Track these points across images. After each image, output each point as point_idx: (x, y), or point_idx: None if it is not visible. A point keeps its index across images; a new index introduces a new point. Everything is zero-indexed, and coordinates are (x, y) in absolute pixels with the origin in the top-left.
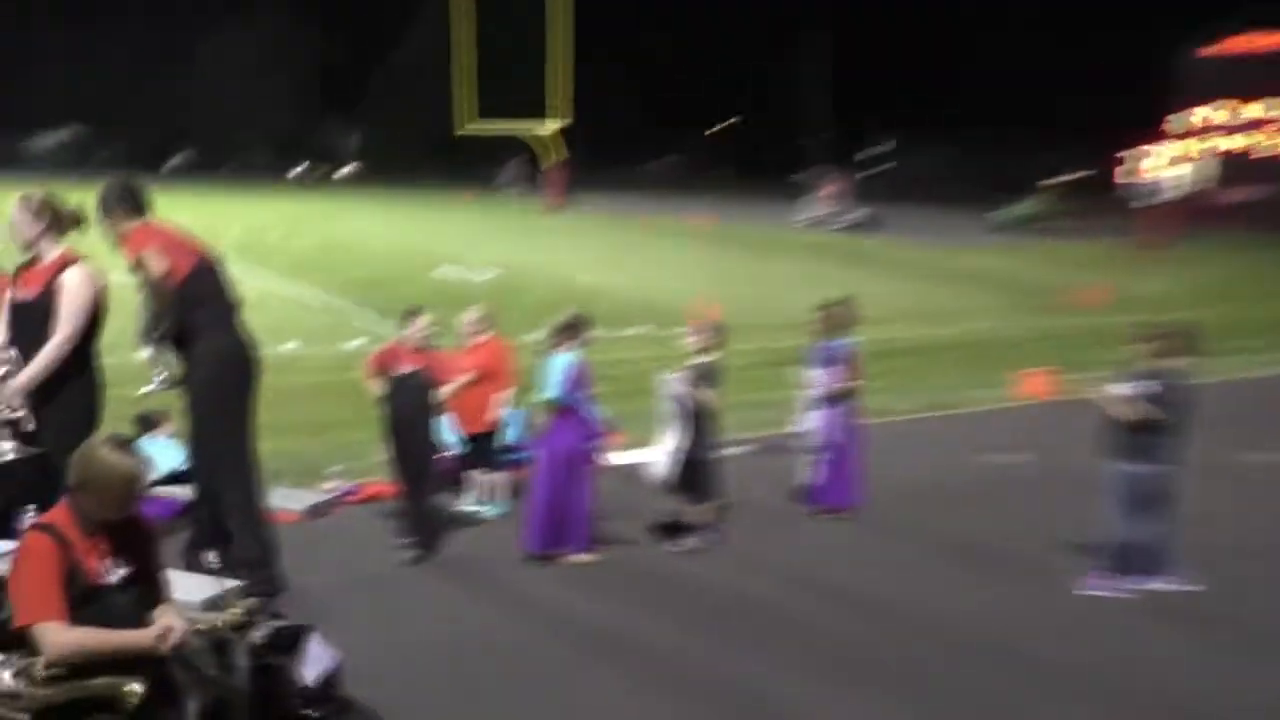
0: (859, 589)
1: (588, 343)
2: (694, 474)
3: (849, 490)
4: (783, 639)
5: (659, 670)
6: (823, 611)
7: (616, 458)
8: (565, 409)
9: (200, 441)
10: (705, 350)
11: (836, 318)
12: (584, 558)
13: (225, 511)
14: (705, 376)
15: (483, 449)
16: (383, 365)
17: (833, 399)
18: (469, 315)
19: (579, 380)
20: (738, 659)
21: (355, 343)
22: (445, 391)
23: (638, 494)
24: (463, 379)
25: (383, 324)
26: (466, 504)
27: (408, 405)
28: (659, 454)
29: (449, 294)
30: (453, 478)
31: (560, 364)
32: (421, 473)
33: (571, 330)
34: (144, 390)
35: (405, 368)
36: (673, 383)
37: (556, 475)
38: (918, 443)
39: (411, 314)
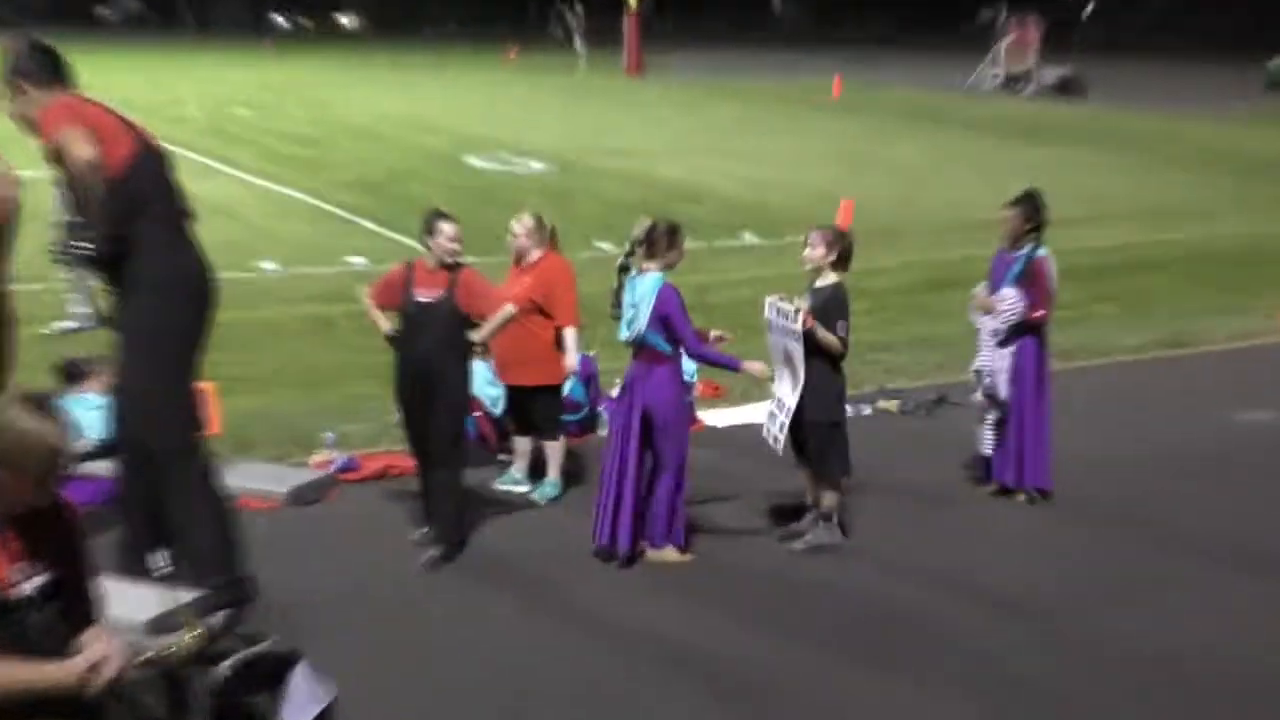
0: (1042, 603)
1: (678, 260)
2: (817, 441)
3: (1034, 462)
4: (936, 669)
5: (771, 711)
6: (992, 633)
7: (721, 417)
8: (651, 352)
9: (133, 396)
10: (831, 268)
11: (1023, 220)
12: (672, 555)
13: (167, 492)
14: (831, 305)
15: (535, 407)
16: (394, 292)
17: (1016, 334)
18: (517, 223)
19: (670, 311)
20: (874, 695)
21: (355, 261)
22: (484, 330)
23: (750, 466)
24: (507, 311)
25: (393, 235)
26: (512, 483)
27: (429, 347)
28: (772, 412)
29: (484, 193)
30: (493, 447)
31: (644, 290)
32: (449, 440)
33: (660, 243)
34: (60, 326)
35: (425, 296)
36: (784, 313)
37: (638, 444)
38: (1140, 394)
39: (434, 221)
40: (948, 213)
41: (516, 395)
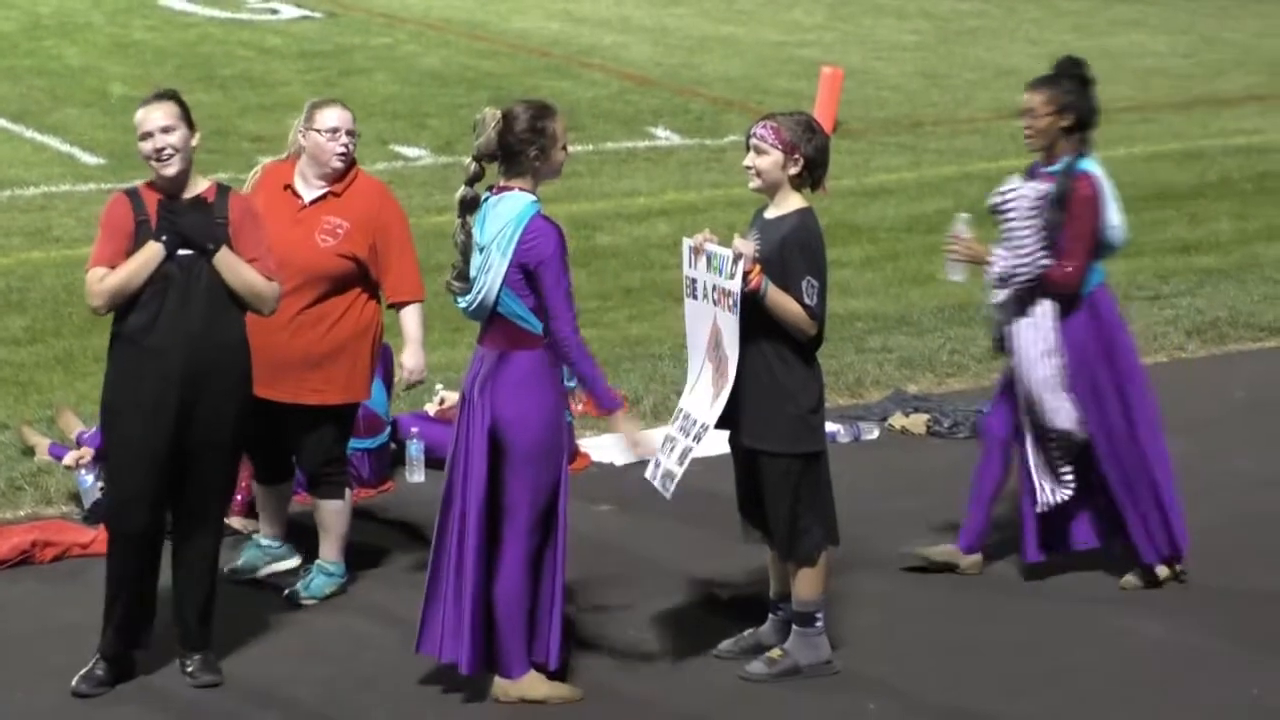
0: None
1: (559, 170)
2: (778, 491)
3: (1096, 521)
4: None
5: None
6: None
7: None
8: (508, 329)
9: None
10: (793, 186)
11: (1056, 112)
12: (538, 687)
13: None
14: (793, 249)
15: (309, 440)
16: (128, 245)
17: (1060, 303)
18: (335, 112)
19: (545, 258)
20: None
21: None
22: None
23: (671, 530)
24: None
25: (37, 138)
26: (261, 557)
27: (199, 327)
28: (670, 437)
29: (197, 61)
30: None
31: (502, 221)
32: (217, 486)
33: (525, 144)
34: None
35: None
36: (714, 263)
37: (486, 490)
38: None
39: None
40: (1007, 91)
41: (275, 419)
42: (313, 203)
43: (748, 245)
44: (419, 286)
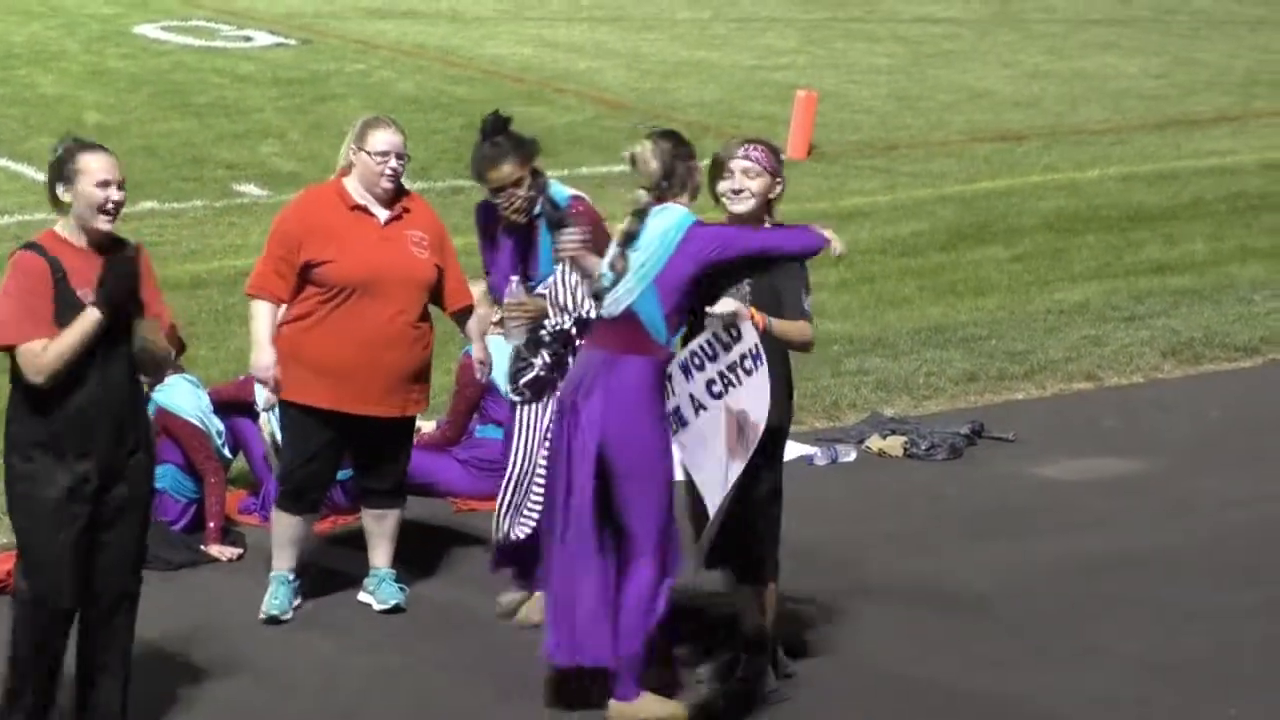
0: None
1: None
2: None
3: None
4: None
5: None
6: None
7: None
8: (630, 330)
9: None
10: (768, 205)
11: (528, 172)
12: (652, 708)
13: None
14: (784, 270)
15: (383, 455)
16: (46, 305)
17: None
18: (391, 133)
19: (718, 244)
20: None
21: None
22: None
23: None
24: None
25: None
26: (285, 600)
27: (116, 391)
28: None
29: (172, 90)
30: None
31: (659, 229)
32: (131, 561)
33: (680, 166)
34: None
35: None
36: (714, 339)
37: (596, 500)
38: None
39: (76, 155)
40: (981, 113)
41: (353, 438)
42: (390, 221)
43: (730, 301)
44: (470, 291)
